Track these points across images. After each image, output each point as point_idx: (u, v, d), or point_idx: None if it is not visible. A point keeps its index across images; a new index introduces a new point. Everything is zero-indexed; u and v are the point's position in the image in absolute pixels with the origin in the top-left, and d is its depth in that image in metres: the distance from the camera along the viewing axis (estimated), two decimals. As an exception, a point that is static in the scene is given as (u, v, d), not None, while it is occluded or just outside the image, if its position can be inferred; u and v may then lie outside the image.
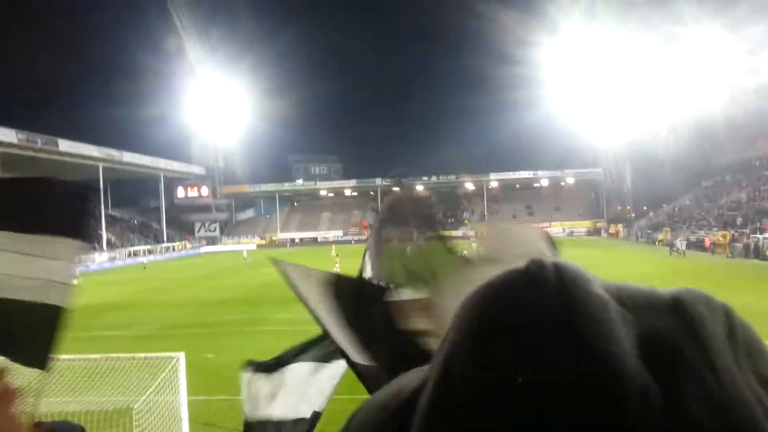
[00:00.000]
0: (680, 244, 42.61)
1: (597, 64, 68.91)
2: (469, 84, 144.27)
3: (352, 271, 1.84)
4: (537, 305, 0.25)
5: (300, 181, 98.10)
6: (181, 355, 7.83)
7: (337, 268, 33.31)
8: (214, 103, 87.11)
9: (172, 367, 7.66)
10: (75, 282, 3.21)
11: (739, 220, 46.30)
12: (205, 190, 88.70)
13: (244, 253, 53.48)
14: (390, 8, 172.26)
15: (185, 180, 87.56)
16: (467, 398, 0.24)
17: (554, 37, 68.88)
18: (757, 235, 39.78)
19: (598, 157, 78.52)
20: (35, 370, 3.23)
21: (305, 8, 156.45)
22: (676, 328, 0.24)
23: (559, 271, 0.26)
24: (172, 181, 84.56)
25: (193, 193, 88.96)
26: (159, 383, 7.40)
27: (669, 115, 62.20)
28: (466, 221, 78.39)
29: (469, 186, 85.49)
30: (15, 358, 3.03)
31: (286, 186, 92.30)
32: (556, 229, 68.93)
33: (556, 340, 0.23)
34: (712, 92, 56.84)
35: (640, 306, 0.26)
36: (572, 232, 71.54)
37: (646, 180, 70.58)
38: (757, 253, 37.22)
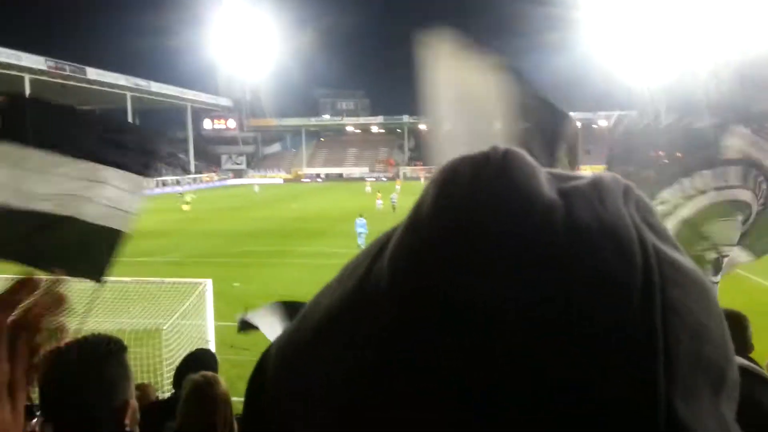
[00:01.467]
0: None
1: (633, 3, 66.05)
2: (501, 22, 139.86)
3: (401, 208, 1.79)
4: (481, 173, 0.32)
5: (326, 116, 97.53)
6: (209, 282, 8.04)
7: (379, 204, 33.53)
8: (242, 34, 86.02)
9: (200, 293, 7.87)
10: (135, 211, 3.64)
11: (774, 169, 45.16)
12: (232, 123, 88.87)
13: (256, 188, 53.67)
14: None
15: (212, 112, 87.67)
16: (423, 232, 0.32)
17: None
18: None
19: (633, 99, 76.25)
20: (88, 284, 3.63)
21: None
22: (585, 184, 0.33)
23: (508, 153, 0.34)
24: (200, 113, 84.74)
25: (220, 125, 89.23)
26: (187, 307, 7.64)
27: (710, 55, 59.72)
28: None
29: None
30: (73, 271, 3.48)
31: (313, 120, 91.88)
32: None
33: (490, 185, 0.32)
34: (759, 32, 54.27)
35: (569, 177, 0.35)
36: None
37: (684, 124, 68.50)
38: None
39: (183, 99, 73.98)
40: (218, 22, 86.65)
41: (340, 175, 79.36)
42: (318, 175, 79.88)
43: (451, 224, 0.31)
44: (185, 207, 35.80)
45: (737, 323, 3.02)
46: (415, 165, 79.01)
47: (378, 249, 0.35)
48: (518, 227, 0.30)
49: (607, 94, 78.09)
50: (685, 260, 0.32)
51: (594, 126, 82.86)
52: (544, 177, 0.33)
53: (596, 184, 0.33)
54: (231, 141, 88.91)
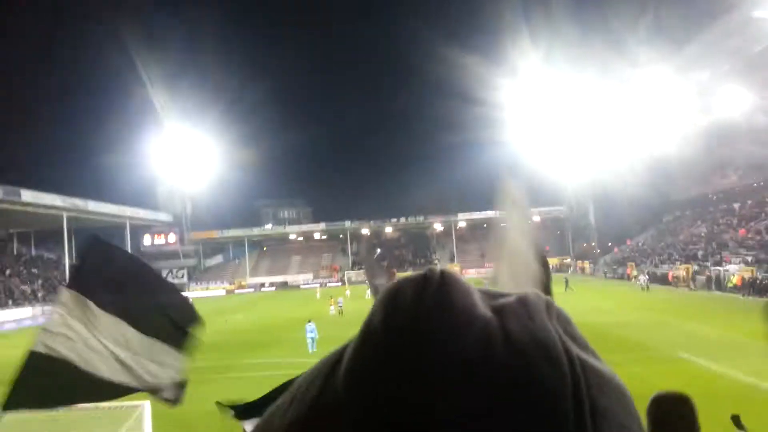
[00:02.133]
0: (642, 279, 43.61)
1: (557, 107, 71.06)
2: (435, 127, 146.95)
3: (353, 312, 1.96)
4: (423, 294, 0.37)
5: (269, 226, 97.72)
6: (146, 404, 7.78)
7: (332, 310, 33.41)
8: (181, 149, 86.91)
9: (137, 417, 7.61)
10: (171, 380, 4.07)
11: (700, 254, 47.54)
12: (172, 237, 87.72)
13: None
14: (356, 56, 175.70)
15: (152, 227, 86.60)
16: (376, 349, 0.36)
17: (515, 80, 70.88)
18: (718, 268, 40.87)
19: (562, 195, 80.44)
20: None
21: (274, 59, 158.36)
22: (514, 302, 0.37)
23: (444, 274, 0.38)
24: (139, 229, 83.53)
25: (159, 240, 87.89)
26: (123, 433, 7.34)
27: (628, 153, 64.26)
28: (436, 261, 78.96)
29: (438, 226, 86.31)
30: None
31: (255, 231, 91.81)
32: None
33: (432, 304, 0.36)
34: (668, 131, 59.05)
35: (498, 295, 0.39)
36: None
37: (609, 217, 72.38)
38: (718, 285, 38.19)
39: (121, 216, 73.05)
40: (157, 138, 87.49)
41: (285, 283, 78.59)
42: (262, 285, 78.76)
43: (399, 341, 0.35)
44: None
45: (687, 406, 3.01)
46: (359, 269, 79.43)
47: (331, 366, 0.38)
48: (460, 342, 0.34)
49: (539, 191, 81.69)
50: (604, 367, 0.36)
51: (528, 222, 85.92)
52: (477, 296, 0.38)
53: (523, 301, 0.37)
54: (172, 255, 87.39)
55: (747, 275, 35.83)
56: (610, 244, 72.34)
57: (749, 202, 51.72)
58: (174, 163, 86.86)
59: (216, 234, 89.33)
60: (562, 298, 32.76)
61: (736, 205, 53.57)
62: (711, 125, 55.86)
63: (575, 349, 0.35)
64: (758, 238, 43.20)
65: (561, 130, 72.69)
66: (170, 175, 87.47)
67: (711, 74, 52.72)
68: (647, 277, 44.25)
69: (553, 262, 75.42)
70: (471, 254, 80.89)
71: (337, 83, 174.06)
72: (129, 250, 74.27)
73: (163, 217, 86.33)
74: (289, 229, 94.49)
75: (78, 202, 62.53)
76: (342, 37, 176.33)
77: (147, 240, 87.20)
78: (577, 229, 79.94)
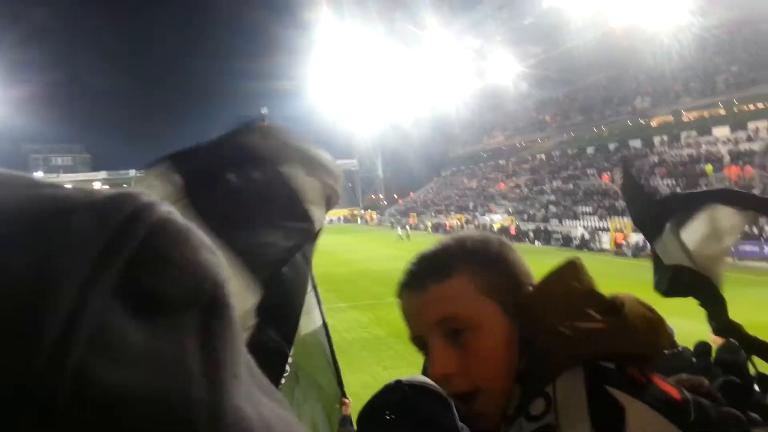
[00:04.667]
0: (401, 230, 44.43)
1: (350, 63, 73.23)
2: (226, 73, 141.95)
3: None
4: None
5: (39, 174, 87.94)
6: None
7: None
8: None
9: None
10: None
11: (471, 205, 53.20)
12: None
13: None
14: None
15: None
16: None
17: (310, 35, 71.50)
18: (485, 217, 46.40)
19: (353, 148, 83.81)
20: None
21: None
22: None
23: None
24: None
25: None
26: None
27: (412, 111, 68.92)
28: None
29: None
30: None
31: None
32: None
33: None
34: (447, 92, 64.36)
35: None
36: (331, 220, 75.10)
37: (395, 170, 77.47)
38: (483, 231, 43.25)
39: None
40: None
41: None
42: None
43: None
44: None
45: None
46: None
47: None
48: None
49: (332, 144, 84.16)
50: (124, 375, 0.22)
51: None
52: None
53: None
54: None
55: (507, 223, 41.10)
56: (395, 195, 77.49)
57: (512, 159, 58.60)
58: None
59: (-30, 183, 78.08)
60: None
61: (502, 162, 60.41)
62: (484, 89, 62.07)
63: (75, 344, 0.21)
64: (517, 191, 49.47)
65: (353, 86, 75.19)
66: None
67: (485, 42, 58.18)
68: (407, 228, 45.70)
69: (343, 212, 78.81)
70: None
71: (118, 12, 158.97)
72: None
73: None
74: (63, 177, 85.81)
75: None
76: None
77: None
78: (366, 182, 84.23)
